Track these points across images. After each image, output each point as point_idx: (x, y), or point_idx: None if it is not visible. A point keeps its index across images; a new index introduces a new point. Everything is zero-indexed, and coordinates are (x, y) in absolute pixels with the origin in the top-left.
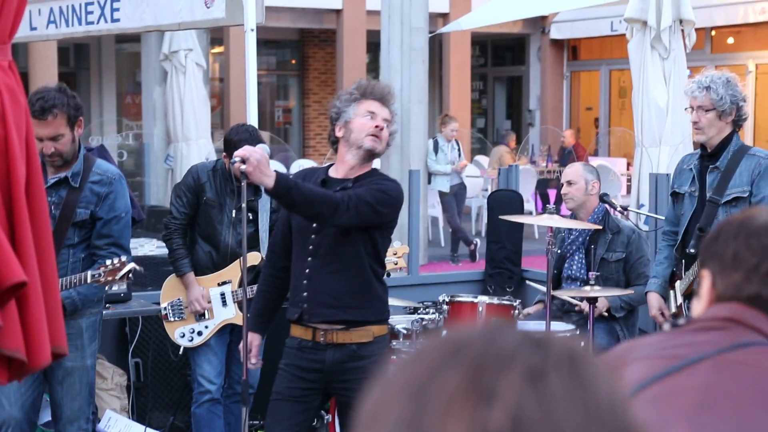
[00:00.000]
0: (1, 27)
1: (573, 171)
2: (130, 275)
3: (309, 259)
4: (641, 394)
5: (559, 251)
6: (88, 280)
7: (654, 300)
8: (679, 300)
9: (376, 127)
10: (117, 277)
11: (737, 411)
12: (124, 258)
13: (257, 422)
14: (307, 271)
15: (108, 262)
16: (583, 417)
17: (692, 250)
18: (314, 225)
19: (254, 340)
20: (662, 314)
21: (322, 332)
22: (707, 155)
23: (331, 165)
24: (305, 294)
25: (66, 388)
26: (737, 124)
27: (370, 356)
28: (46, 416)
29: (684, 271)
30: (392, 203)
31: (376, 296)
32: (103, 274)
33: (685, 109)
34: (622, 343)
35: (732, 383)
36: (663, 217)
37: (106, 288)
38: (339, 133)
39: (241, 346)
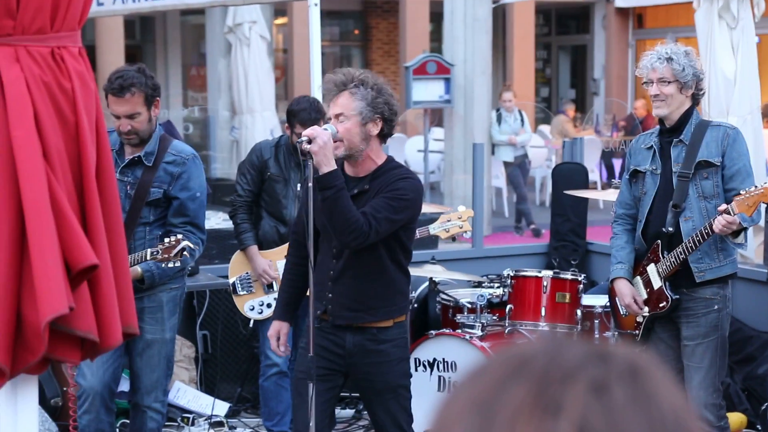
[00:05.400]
0: (71, 14)
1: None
2: (185, 252)
3: (333, 261)
4: None
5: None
6: (148, 258)
7: (625, 287)
8: (658, 283)
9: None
10: (171, 255)
11: None
12: (180, 236)
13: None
14: (331, 272)
15: (166, 240)
16: (647, 428)
17: (671, 229)
18: None
19: (282, 328)
20: (635, 302)
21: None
22: (667, 131)
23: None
24: (330, 295)
25: (145, 360)
26: (696, 98)
27: (391, 340)
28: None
29: (662, 251)
30: (410, 206)
31: (398, 291)
32: (160, 252)
33: (643, 83)
34: None
35: None
36: None
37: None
38: None
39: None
